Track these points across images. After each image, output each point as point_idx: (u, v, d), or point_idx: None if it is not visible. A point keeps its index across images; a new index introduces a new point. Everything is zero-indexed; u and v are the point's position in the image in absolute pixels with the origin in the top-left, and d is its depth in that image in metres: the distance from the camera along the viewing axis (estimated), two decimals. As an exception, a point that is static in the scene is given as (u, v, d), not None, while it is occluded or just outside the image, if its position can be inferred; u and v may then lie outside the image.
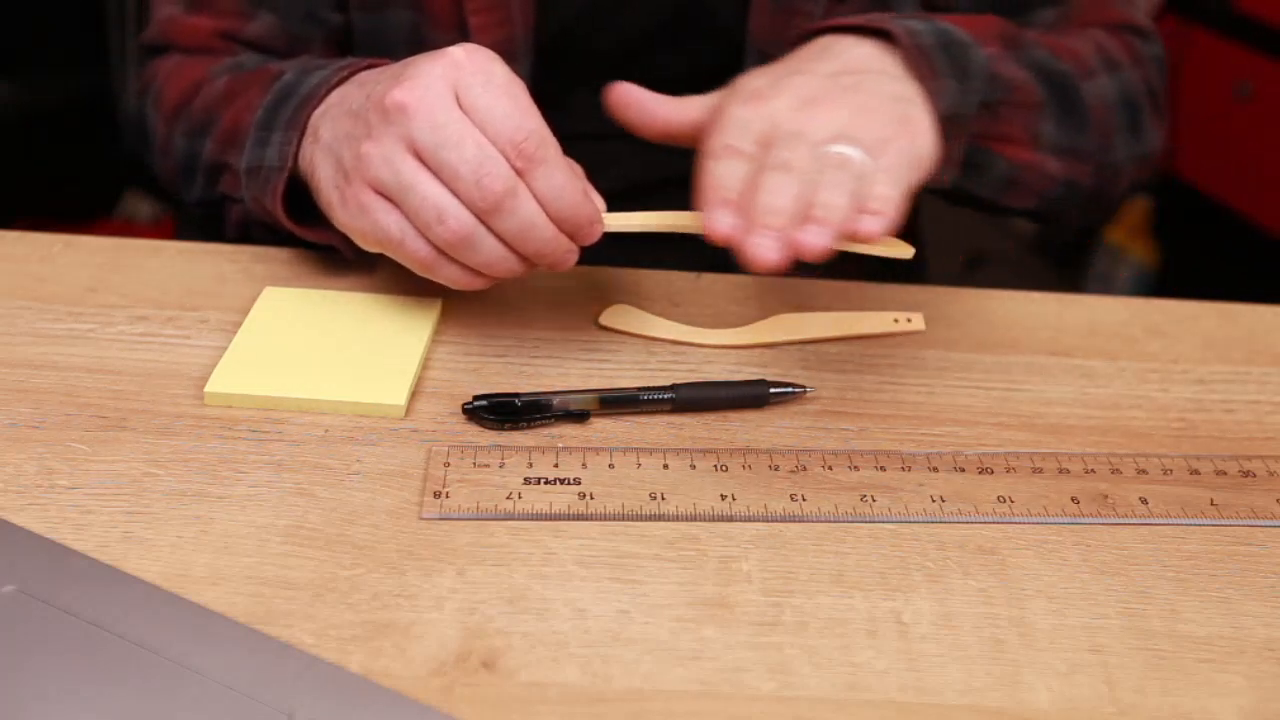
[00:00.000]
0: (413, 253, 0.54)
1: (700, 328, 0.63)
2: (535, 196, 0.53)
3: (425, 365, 0.59)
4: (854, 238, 0.54)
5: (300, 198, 0.62)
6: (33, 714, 0.41)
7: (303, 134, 0.60)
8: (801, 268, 0.83)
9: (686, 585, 0.48)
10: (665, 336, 0.63)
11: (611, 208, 0.81)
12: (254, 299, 0.62)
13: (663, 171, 0.82)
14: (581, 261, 0.68)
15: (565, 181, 0.54)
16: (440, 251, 0.54)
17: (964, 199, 0.70)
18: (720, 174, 0.55)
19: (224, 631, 0.44)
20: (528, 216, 0.53)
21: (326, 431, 0.55)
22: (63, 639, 0.43)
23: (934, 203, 0.74)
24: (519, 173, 0.53)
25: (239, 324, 0.61)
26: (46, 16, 1.65)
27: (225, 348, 0.59)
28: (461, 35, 0.73)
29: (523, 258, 0.55)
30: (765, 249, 0.53)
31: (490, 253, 0.54)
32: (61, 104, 1.70)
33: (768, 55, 0.74)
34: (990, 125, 0.67)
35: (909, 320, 0.65)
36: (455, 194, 0.52)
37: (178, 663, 0.43)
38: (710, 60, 0.77)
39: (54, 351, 0.59)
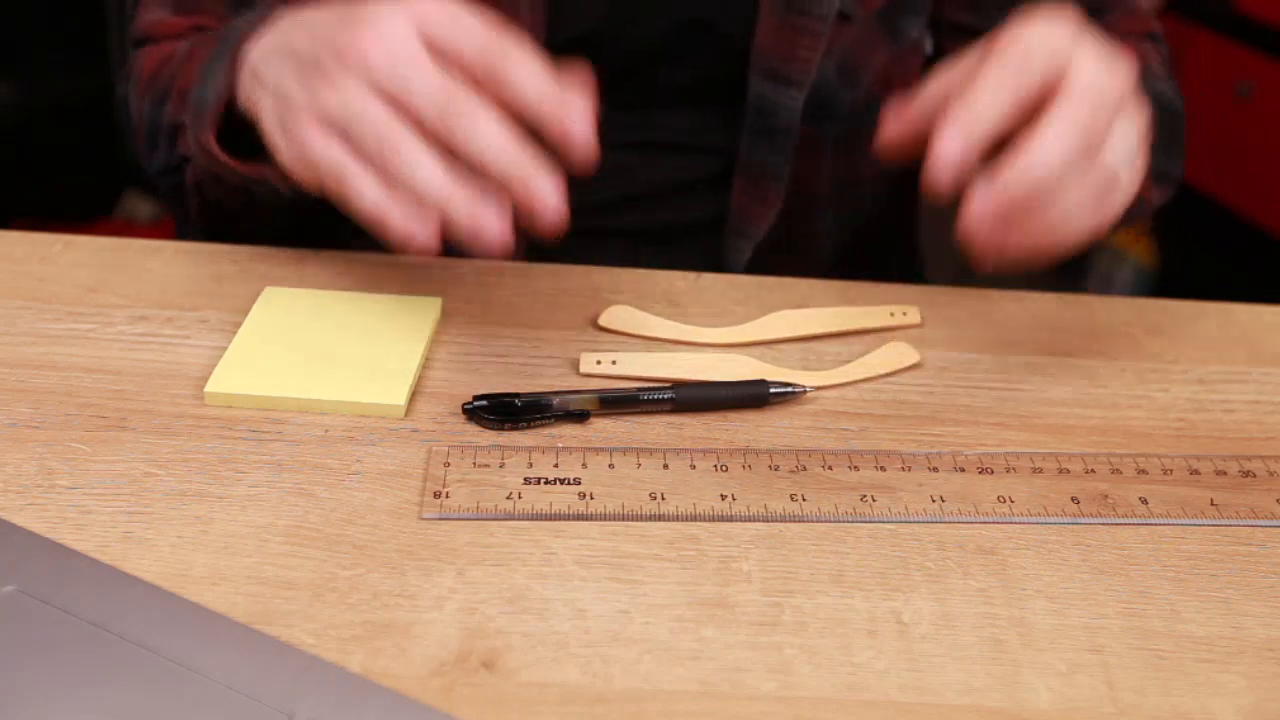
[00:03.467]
0: (356, 188, 0.51)
1: (700, 327, 0.63)
2: (511, 91, 0.50)
3: (425, 365, 0.59)
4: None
5: (241, 141, 0.60)
6: (33, 714, 0.41)
7: (235, 63, 0.58)
8: (800, 270, 0.83)
9: (686, 585, 0.48)
10: (665, 336, 0.63)
11: (618, 215, 0.82)
12: (254, 299, 0.62)
13: (668, 179, 0.82)
14: (581, 261, 0.68)
15: (542, 71, 0.50)
16: (383, 183, 0.50)
17: None
18: (981, 105, 0.50)
19: (224, 631, 0.44)
20: (487, 130, 0.49)
21: (326, 431, 0.55)
22: (63, 639, 0.43)
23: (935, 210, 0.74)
24: (495, 72, 0.50)
25: (239, 324, 0.61)
26: (46, 16, 1.65)
27: (225, 348, 0.59)
28: None
29: (475, 188, 0.50)
30: (948, 158, 0.50)
31: (428, 169, 0.49)
32: (61, 104, 1.71)
33: (773, 71, 0.75)
34: None
35: (904, 314, 0.65)
36: (417, 111, 0.49)
37: (178, 663, 0.43)
38: (715, 73, 0.77)
39: (54, 351, 0.59)
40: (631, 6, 0.75)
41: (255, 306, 0.61)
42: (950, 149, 0.50)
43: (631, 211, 0.82)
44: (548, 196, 0.50)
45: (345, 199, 0.52)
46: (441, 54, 0.50)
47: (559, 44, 0.74)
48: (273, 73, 0.55)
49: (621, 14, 0.75)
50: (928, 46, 0.84)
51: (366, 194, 0.51)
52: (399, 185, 0.50)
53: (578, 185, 0.84)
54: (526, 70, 0.50)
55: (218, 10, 0.75)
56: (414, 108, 0.50)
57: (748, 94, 0.75)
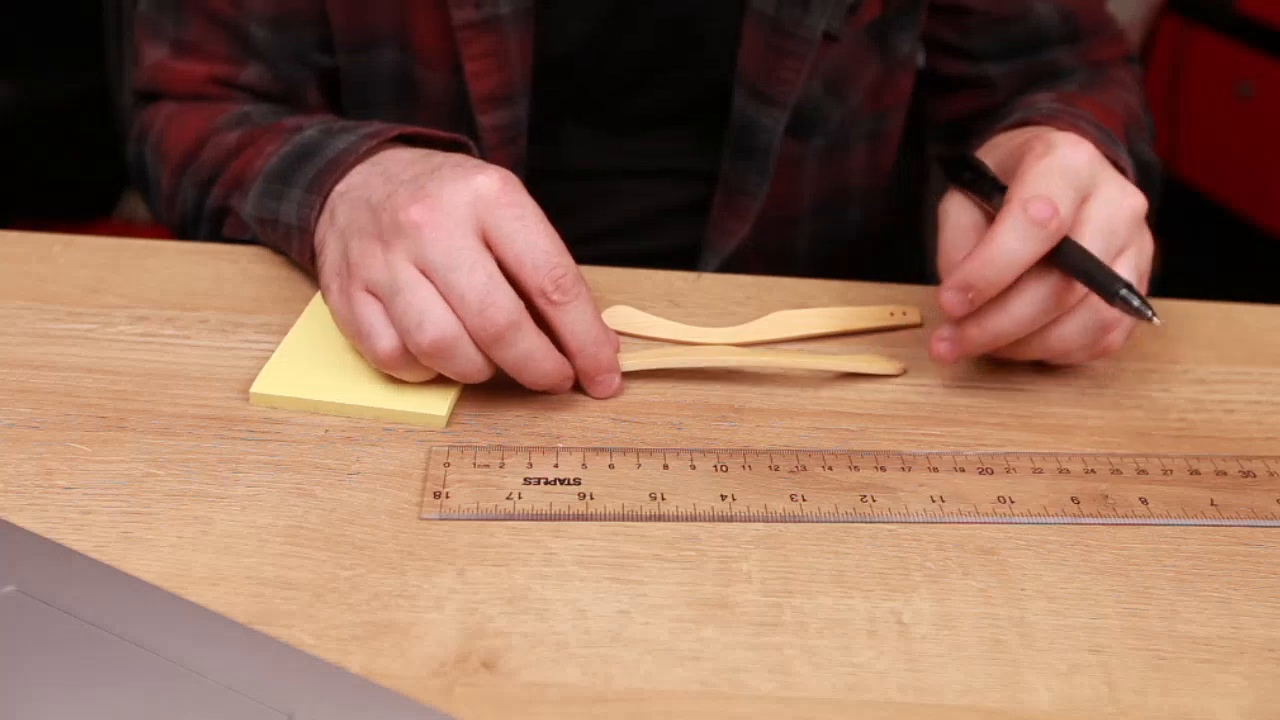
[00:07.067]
0: (380, 348, 0.53)
1: (700, 327, 0.63)
2: (561, 329, 0.54)
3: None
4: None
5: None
6: (33, 714, 0.41)
7: (325, 200, 0.59)
8: (794, 266, 0.83)
9: (686, 585, 0.48)
10: (665, 336, 0.63)
11: (608, 241, 0.82)
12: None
13: (658, 205, 0.82)
14: (581, 261, 0.68)
15: (593, 318, 0.55)
16: (411, 356, 0.53)
17: None
18: (1005, 247, 0.53)
19: (224, 631, 0.44)
20: (527, 349, 0.53)
21: (326, 432, 0.55)
22: (63, 639, 0.43)
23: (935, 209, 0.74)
24: (552, 304, 0.54)
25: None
26: (46, 16, 1.65)
27: (225, 347, 0.59)
28: (455, 75, 0.73)
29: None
30: (943, 349, 0.57)
31: (467, 364, 0.53)
32: (61, 104, 1.70)
33: (757, 91, 0.74)
34: None
35: (904, 314, 0.65)
36: (460, 318, 0.52)
37: (178, 663, 0.43)
38: (699, 94, 0.77)
39: (54, 351, 0.59)
40: (617, 27, 0.75)
41: (307, 310, 0.61)
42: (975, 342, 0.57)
43: (627, 238, 0.82)
44: (566, 389, 0.56)
45: (366, 355, 0.55)
46: (493, 246, 0.53)
47: (546, 63, 0.74)
48: (343, 216, 0.57)
49: (607, 34, 0.75)
50: (920, 60, 0.84)
51: (387, 354, 0.54)
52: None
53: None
54: (578, 315, 0.55)
55: (219, 53, 0.74)
56: (457, 303, 0.52)
57: (731, 110, 0.75)
